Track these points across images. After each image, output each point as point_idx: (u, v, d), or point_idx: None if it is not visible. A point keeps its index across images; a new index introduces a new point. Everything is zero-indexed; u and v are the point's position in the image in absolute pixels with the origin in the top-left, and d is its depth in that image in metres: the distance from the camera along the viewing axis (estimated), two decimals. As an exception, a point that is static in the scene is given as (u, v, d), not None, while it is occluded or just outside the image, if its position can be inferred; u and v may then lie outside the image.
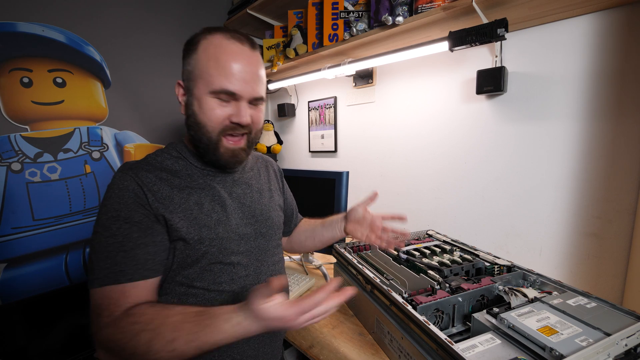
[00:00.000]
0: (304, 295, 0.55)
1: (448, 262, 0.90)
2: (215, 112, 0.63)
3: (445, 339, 0.56)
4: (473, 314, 0.65)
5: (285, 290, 0.53)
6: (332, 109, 1.74)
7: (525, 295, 0.69)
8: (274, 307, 0.49)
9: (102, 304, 0.55)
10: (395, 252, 0.97)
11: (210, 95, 0.63)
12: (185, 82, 0.67)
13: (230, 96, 0.63)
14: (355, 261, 0.94)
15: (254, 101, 0.67)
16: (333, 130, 1.75)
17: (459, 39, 0.96)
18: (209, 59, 0.62)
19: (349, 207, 1.31)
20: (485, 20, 0.97)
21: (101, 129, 1.47)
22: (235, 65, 0.62)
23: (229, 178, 0.75)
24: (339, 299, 0.51)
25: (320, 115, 1.82)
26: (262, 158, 0.92)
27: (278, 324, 0.50)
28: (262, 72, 0.68)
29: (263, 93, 0.68)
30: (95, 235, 0.58)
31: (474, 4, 0.92)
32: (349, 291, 0.53)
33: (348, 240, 1.11)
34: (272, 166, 0.94)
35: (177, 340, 0.50)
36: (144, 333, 0.51)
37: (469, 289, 0.74)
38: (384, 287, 0.76)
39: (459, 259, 0.92)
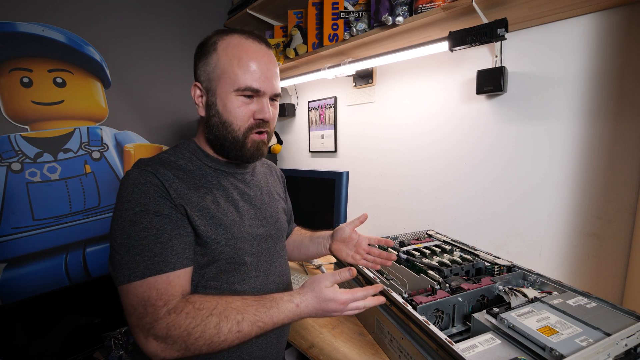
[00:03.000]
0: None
1: (448, 262, 0.90)
2: (241, 110, 0.65)
3: (445, 339, 0.56)
4: (473, 314, 0.66)
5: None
6: (332, 109, 1.74)
7: (525, 295, 0.69)
8: (334, 289, 0.59)
9: (150, 295, 0.54)
10: (396, 252, 0.97)
11: (235, 94, 0.64)
12: (205, 83, 0.67)
13: (254, 93, 0.66)
14: (355, 261, 0.94)
15: (274, 97, 0.70)
16: (333, 130, 1.75)
17: (459, 39, 0.96)
18: (231, 59, 0.64)
19: (349, 207, 1.31)
20: (485, 20, 0.97)
21: (101, 129, 1.47)
22: (257, 64, 0.65)
23: (241, 179, 0.75)
24: (375, 301, 0.62)
25: (320, 115, 1.82)
26: (266, 162, 0.93)
27: (333, 306, 0.58)
28: (278, 70, 0.71)
29: (280, 90, 0.72)
30: (122, 231, 0.56)
31: (474, 4, 0.92)
32: (382, 299, 0.63)
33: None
34: (276, 171, 0.95)
35: (243, 322, 0.54)
36: (212, 317, 0.53)
37: (469, 289, 0.74)
38: (384, 287, 0.76)
39: (459, 259, 0.92)
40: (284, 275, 0.79)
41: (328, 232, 0.90)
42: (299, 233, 0.99)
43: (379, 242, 0.84)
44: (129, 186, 0.59)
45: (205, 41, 0.67)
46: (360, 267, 0.89)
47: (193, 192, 0.64)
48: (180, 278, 0.58)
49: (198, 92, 0.69)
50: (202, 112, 0.69)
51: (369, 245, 0.83)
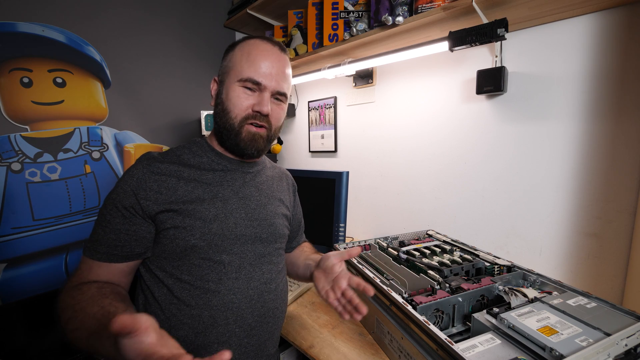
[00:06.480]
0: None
1: (448, 262, 0.90)
2: (241, 100, 0.69)
3: (445, 339, 0.56)
4: (473, 314, 0.66)
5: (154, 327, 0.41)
6: (332, 109, 1.74)
7: (525, 295, 0.69)
8: (135, 345, 0.40)
9: (77, 269, 0.64)
10: (395, 252, 0.97)
11: (238, 84, 0.69)
12: (220, 76, 0.74)
13: (255, 85, 0.69)
14: (355, 261, 0.94)
15: (277, 96, 0.72)
16: (333, 130, 1.75)
17: (459, 39, 0.96)
18: (242, 54, 0.70)
19: (349, 207, 1.31)
20: (485, 20, 0.97)
21: (101, 129, 1.47)
22: (263, 60, 0.69)
23: (240, 178, 0.75)
24: None
25: (320, 115, 1.82)
26: (280, 169, 0.93)
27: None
28: (288, 72, 0.74)
29: (287, 91, 0.73)
30: (100, 208, 0.66)
31: (474, 4, 0.92)
32: None
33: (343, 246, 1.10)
34: (287, 179, 0.93)
35: (80, 330, 0.53)
36: (69, 310, 0.55)
37: (469, 289, 0.74)
38: (384, 287, 0.76)
39: (459, 259, 0.92)
40: (273, 283, 0.74)
41: (319, 256, 0.79)
42: (301, 250, 0.94)
43: (358, 286, 0.64)
44: (123, 175, 0.67)
45: (232, 44, 0.74)
46: (360, 266, 0.89)
47: (182, 185, 0.67)
48: (101, 269, 0.63)
49: (215, 85, 0.75)
50: (212, 102, 0.74)
51: (348, 285, 0.65)
